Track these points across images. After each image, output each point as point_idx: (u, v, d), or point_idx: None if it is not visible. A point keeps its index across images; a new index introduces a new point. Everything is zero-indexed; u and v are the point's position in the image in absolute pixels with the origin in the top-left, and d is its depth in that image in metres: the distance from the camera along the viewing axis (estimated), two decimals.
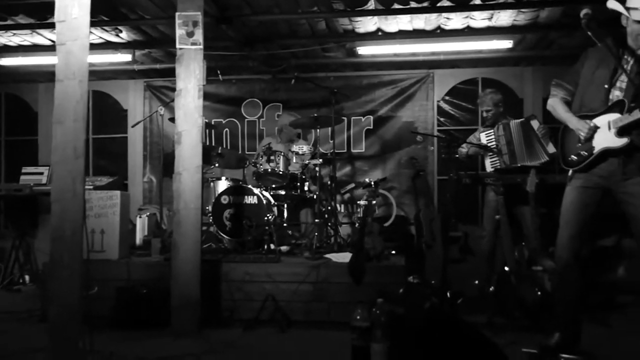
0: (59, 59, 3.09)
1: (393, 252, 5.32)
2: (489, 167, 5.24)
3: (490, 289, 4.46)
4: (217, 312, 4.42)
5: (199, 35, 4.31)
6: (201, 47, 4.31)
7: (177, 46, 4.31)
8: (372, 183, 5.65)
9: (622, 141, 3.24)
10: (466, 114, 7.26)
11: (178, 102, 4.28)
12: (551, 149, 4.87)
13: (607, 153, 3.32)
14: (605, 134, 3.31)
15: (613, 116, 3.28)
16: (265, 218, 5.20)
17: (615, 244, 5.31)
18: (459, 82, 7.30)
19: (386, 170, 7.34)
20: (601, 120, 3.33)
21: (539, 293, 4.19)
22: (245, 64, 6.82)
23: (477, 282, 4.73)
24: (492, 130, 5.18)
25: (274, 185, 5.71)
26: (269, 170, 5.51)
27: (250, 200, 5.26)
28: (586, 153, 3.39)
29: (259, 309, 4.28)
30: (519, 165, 4.98)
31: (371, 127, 7.41)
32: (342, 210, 7.12)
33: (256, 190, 5.30)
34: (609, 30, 3.33)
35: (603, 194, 3.42)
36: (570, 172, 3.51)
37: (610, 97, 3.33)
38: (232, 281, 4.50)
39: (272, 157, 5.55)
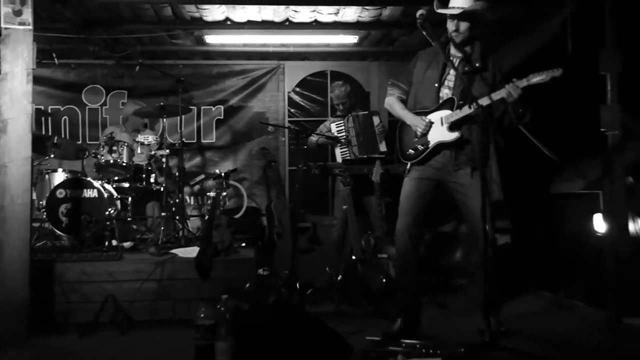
0: None
1: (243, 244, 5.25)
2: (339, 158, 5.34)
3: (338, 278, 4.56)
4: (50, 316, 4.07)
5: (27, 14, 3.91)
6: (30, 27, 3.92)
7: (2, 25, 3.88)
8: (223, 174, 5.55)
9: (454, 135, 3.50)
10: (315, 106, 7.37)
11: (3, 86, 3.88)
12: (383, 147, 5.13)
13: (440, 146, 3.56)
14: (439, 129, 3.54)
15: (445, 112, 3.53)
16: (107, 213, 4.88)
17: (454, 229, 5.66)
18: (309, 74, 7.37)
19: (237, 161, 7.24)
20: (434, 117, 3.57)
21: (384, 280, 4.36)
22: (86, 47, 6.33)
23: (328, 269, 4.81)
24: (342, 121, 5.29)
25: (116, 178, 5.35)
26: (111, 161, 5.17)
27: (90, 193, 4.88)
28: (422, 147, 3.61)
29: (97, 310, 3.99)
30: (365, 156, 5.13)
31: (222, 117, 7.26)
32: (192, 203, 6.93)
33: (96, 183, 4.93)
34: (442, 31, 3.57)
35: (437, 185, 3.67)
36: (409, 165, 3.71)
37: (441, 94, 3.60)
38: (67, 282, 4.16)
39: (114, 148, 5.22)
